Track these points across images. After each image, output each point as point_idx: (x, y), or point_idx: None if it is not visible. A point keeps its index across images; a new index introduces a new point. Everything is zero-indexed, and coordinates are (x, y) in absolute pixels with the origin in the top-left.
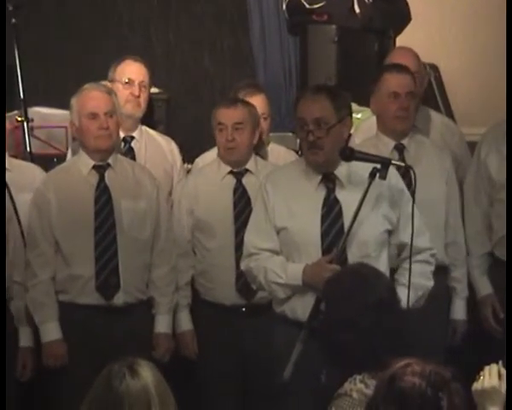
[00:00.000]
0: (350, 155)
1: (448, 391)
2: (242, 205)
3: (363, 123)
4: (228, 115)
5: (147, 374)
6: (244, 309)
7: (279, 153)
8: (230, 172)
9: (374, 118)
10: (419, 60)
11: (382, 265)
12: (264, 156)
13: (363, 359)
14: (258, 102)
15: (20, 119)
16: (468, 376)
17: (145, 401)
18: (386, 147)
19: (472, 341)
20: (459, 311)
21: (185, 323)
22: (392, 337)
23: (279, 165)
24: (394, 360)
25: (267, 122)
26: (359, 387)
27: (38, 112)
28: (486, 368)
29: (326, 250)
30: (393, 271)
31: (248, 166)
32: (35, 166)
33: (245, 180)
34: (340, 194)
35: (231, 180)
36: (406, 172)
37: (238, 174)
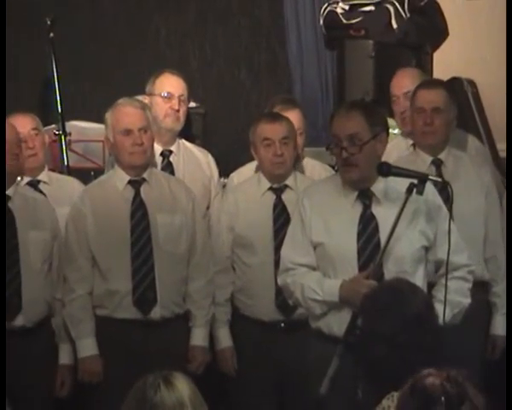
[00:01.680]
0: (387, 170)
1: (469, 387)
2: (282, 221)
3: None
4: (275, 130)
5: (182, 386)
6: (283, 325)
7: (314, 167)
8: (270, 189)
9: (390, 144)
10: (422, 78)
11: (419, 280)
12: (299, 171)
13: (400, 374)
14: (294, 116)
15: (57, 133)
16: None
17: None
18: (423, 162)
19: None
20: (499, 326)
21: (225, 340)
22: (429, 352)
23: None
24: None
25: (302, 137)
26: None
27: (76, 126)
28: None
29: (362, 266)
30: (431, 287)
31: (288, 181)
32: (74, 180)
33: (284, 196)
34: (377, 210)
35: (271, 196)
36: (443, 188)
37: (278, 190)
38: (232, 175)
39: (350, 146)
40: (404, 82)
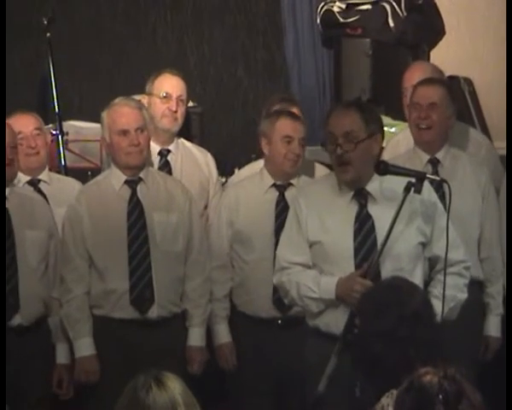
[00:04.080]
0: (384, 169)
1: (466, 385)
2: (284, 218)
3: (392, 139)
4: (297, 129)
5: (174, 385)
6: (280, 322)
7: (321, 173)
8: (273, 185)
9: (400, 135)
10: (436, 72)
11: (416, 278)
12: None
13: (399, 372)
14: None
15: (54, 132)
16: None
17: None
18: (420, 161)
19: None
20: (492, 327)
21: (224, 335)
22: (427, 350)
23: None
24: None
25: None
26: None
27: (73, 125)
28: None
29: (359, 265)
30: (427, 283)
31: (292, 180)
32: (74, 181)
33: (287, 193)
34: (373, 209)
35: (274, 193)
36: (439, 186)
37: (281, 187)
38: (235, 174)
39: (345, 143)
40: (414, 75)
